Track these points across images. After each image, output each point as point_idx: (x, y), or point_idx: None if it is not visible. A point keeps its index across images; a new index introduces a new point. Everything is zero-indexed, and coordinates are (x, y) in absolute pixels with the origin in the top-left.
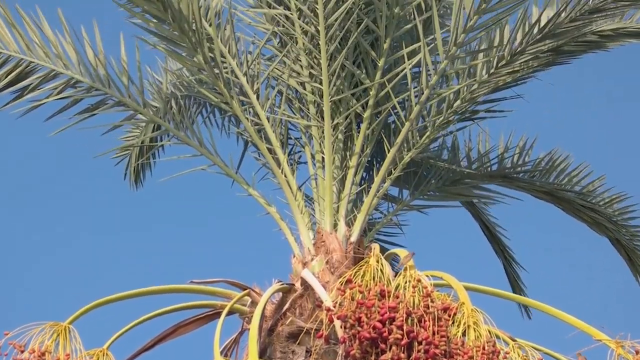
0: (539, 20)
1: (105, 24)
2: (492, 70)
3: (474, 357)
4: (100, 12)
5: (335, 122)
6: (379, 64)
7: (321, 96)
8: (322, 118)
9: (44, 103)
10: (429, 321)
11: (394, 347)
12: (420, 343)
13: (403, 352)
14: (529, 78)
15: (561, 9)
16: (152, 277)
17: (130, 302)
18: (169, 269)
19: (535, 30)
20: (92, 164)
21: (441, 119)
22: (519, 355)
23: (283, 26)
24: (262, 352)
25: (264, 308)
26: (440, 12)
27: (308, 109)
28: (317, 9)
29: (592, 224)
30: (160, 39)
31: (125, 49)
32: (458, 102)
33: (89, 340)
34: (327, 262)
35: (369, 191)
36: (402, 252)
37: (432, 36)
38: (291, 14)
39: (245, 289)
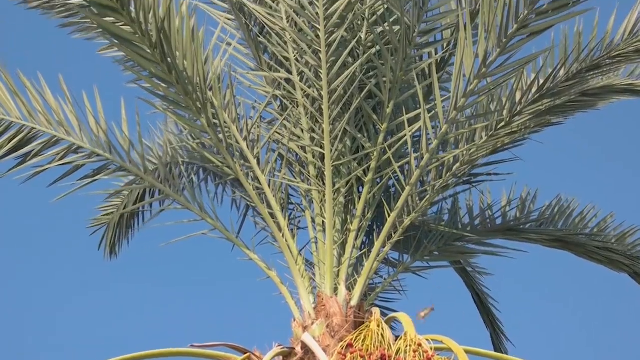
0: (537, 78)
1: (107, 88)
2: (491, 133)
3: None
4: (102, 75)
5: (336, 186)
6: (382, 128)
7: (322, 160)
8: (323, 182)
9: (47, 169)
10: None
11: None
12: None
13: None
14: (526, 140)
15: (559, 67)
16: (150, 338)
17: None
18: (168, 331)
19: (534, 89)
20: None
21: (441, 182)
22: None
23: (284, 89)
24: None
25: None
26: (443, 77)
27: (309, 172)
28: (321, 73)
29: (608, 263)
30: (164, 101)
31: (126, 113)
32: (457, 165)
33: None
34: (327, 326)
35: (369, 255)
36: (402, 317)
37: (434, 102)
38: (293, 77)
39: (246, 353)
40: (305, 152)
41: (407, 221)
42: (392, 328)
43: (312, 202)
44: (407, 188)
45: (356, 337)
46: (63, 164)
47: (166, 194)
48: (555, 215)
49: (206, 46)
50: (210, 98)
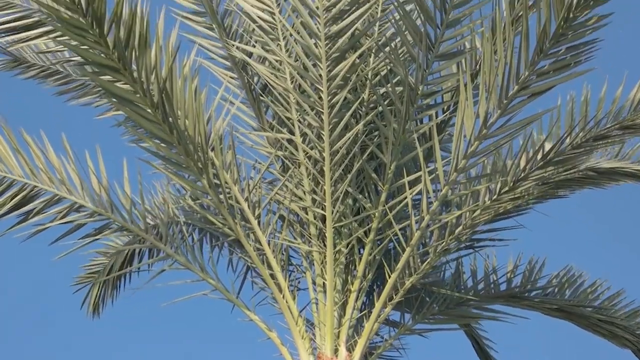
0: (542, 146)
1: (110, 146)
2: (494, 197)
3: None
4: (105, 132)
5: (337, 247)
6: (383, 190)
7: (323, 221)
8: (324, 243)
9: (48, 227)
10: None
11: None
12: None
13: None
14: (530, 209)
15: (565, 136)
16: None
17: None
18: None
19: (539, 156)
20: None
21: (442, 244)
22: None
23: (286, 150)
24: None
25: None
26: (445, 138)
27: (310, 234)
28: (323, 134)
29: (612, 337)
30: (165, 162)
31: (128, 171)
32: (460, 228)
33: None
34: None
35: (369, 316)
36: None
37: (435, 164)
38: (295, 138)
39: None
40: (307, 214)
41: (408, 283)
42: None
43: (313, 263)
44: (408, 249)
45: None
46: (65, 223)
47: (167, 253)
48: (564, 285)
49: (208, 104)
50: (211, 158)
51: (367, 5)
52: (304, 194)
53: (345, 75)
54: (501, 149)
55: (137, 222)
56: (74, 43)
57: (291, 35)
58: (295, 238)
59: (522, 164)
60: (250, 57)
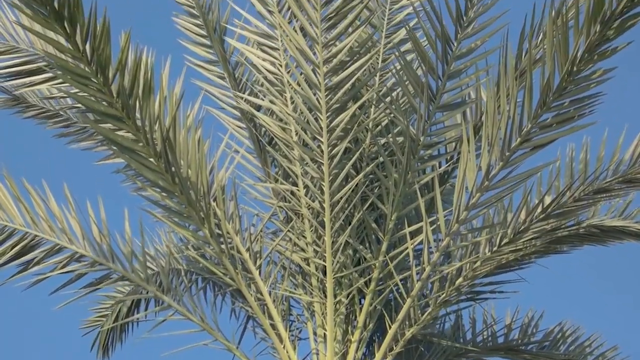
0: (542, 199)
1: (111, 193)
2: (494, 248)
3: None
4: (106, 179)
5: (338, 298)
6: (383, 241)
7: (324, 272)
8: (325, 294)
9: (49, 277)
10: None
11: None
12: None
13: None
14: (532, 263)
15: (565, 189)
16: None
17: None
18: None
19: (539, 209)
20: None
21: (443, 295)
22: None
23: (289, 202)
24: None
25: None
26: (446, 188)
27: (311, 284)
28: (324, 185)
29: None
30: (166, 211)
31: (129, 219)
32: (460, 279)
33: None
34: None
35: None
36: None
37: (436, 215)
38: (298, 190)
39: None
40: (308, 265)
41: (408, 334)
42: None
43: (314, 313)
44: (408, 300)
45: None
46: (65, 272)
47: (168, 303)
48: (559, 340)
49: (212, 152)
50: (213, 208)
51: (367, 56)
52: (306, 245)
53: (345, 126)
54: (502, 201)
55: (138, 272)
56: (76, 91)
57: (291, 87)
58: (296, 288)
59: (523, 216)
60: (259, 109)
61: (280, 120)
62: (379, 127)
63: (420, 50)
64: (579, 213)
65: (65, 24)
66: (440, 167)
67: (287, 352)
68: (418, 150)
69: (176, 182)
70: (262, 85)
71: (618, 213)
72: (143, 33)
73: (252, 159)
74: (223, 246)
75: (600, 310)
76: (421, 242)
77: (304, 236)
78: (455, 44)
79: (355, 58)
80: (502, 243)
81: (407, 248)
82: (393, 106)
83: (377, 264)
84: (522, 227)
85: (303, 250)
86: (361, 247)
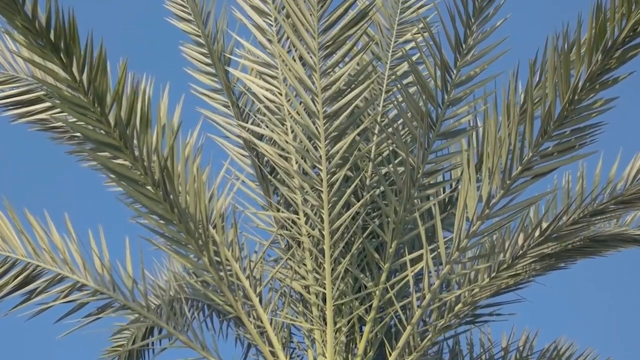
0: (540, 223)
1: (113, 221)
2: (493, 274)
3: None
4: (109, 207)
5: (337, 325)
6: (384, 268)
7: (324, 300)
8: (325, 322)
9: (51, 306)
10: None
11: None
12: None
13: None
14: (530, 282)
15: (562, 212)
16: None
17: None
18: None
19: (537, 233)
20: None
21: (442, 322)
22: None
23: (289, 230)
24: None
25: None
26: (447, 216)
27: (311, 312)
28: (323, 213)
29: None
30: (166, 239)
31: (131, 247)
32: (459, 305)
33: None
34: None
35: None
36: None
37: (437, 243)
38: (298, 218)
39: None
40: (309, 292)
41: None
42: None
43: (314, 341)
44: (409, 328)
45: None
46: (67, 302)
47: (169, 332)
48: (554, 359)
49: (212, 179)
50: (212, 236)
51: (365, 84)
52: (306, 273)
53: (344, 154)
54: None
55: (139, 300)
56: (74, 120)
57: (290, 114)
58: (296, 316)
59: (520, 241)
60: (261, 138)
61: (282, 149)
62: (380, 157)
63: (420, 78)
64: (576, 236)
65: (62, 55)
66: (440, 195)
67: None
68: (418, 178)
69: (174, 211)
70: (264, 115)
71: (611, 228)
72: (142, 60)
73: (254, 187)
74: (222, 274)
75: (598, 321)
76: (421, 270)
77: (304, 264)
78: (455, 72)
79: (353, 86)
80: (501, 269)
81: (407, 276)
82: (395, 136)
83: (377, 292)
84: (520, 252)
85: (303, 278)
86: (362, 274)
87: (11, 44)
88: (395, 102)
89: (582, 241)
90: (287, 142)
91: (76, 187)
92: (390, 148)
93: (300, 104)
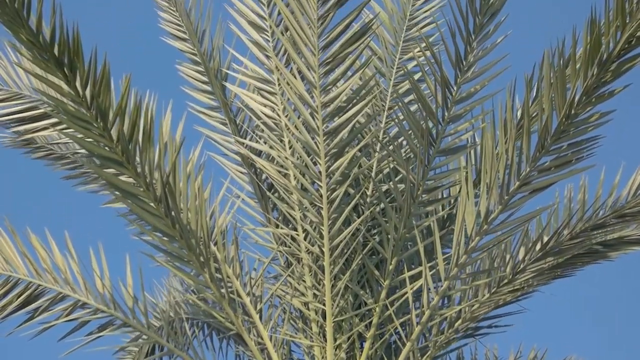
0: (540, 237)
1: (114, 238)
2: (493, 290)
3: None
4: (109, 225)
5: (337, 342)
6: (384, 285)
7: (324, 316)
8: (325, 338)
9: (54, 325)
10: None
11: None
12: None
13: None
14: (531, 294)
15: (563, 227)
16: None
17: None
18: None
19: (537, 247)
20: None
21: (442, 338)
22: None
23: (289, 246)
24: None
25: None
26: (448, 232)
27: (311, 329)
28: (323, 230)
29: None
30: (167, 255)
31: (131, 265)
32: (459, 322)
33: None
34: None
35: None
36: None
37: (436, 260)
38: (297, 235)
39: None
40: (308, 309)
41: None
42: None
43: (314, 358)
44: (408, 344)
45: None
46: (69, 320)
47: (170, 350)
48: None
49: (213, 196)
50: (214, 253)
51: (365, 101)
52: (306, 289)
53: (343, 171)
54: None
55: (140, 319)
56: (80, 135)
57: (289, 131)
58: (296, 332)
59: (521, 255)
60: (260, 155)
61: (281, 165)
62: (381, 174)
63: (421, 95)
64: (575, 251)
65: (65, 70)
66: (440, 212)
67: None
68: (418, 195)
69: (176, 227)
70: (262, 131)
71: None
72: (145, 76)
73: (253, 203)
74: (223, 290)
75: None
76: (422, 286)
77: (303, 280)
78: (455, 88)
79: (353, 102)
80: (501, 284)
81: (407, 292)
82: (395, 153)
83: (377, 308)
84: (521, 267)
85: (303, 294)
86: (361, 291)
87: (14, 57)
88: (397, 120)
89: (587, 246)
90: (286, 158)
91: (76, 204)
92: (391, 165)
93: (299, 119)
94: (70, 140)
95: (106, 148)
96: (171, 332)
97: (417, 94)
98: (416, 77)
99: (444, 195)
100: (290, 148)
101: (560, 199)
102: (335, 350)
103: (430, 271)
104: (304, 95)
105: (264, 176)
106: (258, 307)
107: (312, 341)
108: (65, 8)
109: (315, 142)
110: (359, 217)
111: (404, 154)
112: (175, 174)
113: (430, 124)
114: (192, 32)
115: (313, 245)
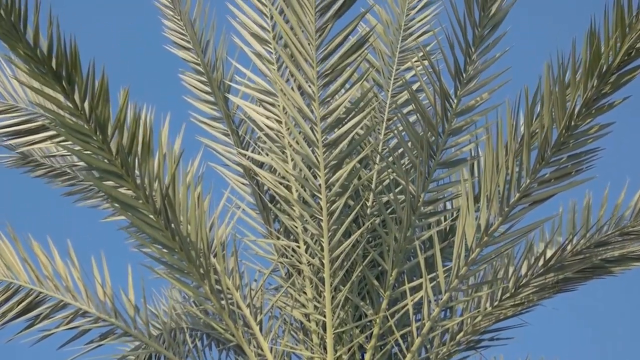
0: (544, 253)
1: (115, 248)
2: (496, 303)
3: None
4: (111, 235)
5: (338, 353)
6: (384, 296)
7: (325, 328)
8: (325, 350)
9: (54, 333)
10: None
11: None
12: None
13: None
14: (534, 308)
15: (566, 243)
16: None
17: None
18: None
19: (540, 262)
20: None
21: (444, 350)
22: None
23: (289, 258)
24: None
25: None
26: (448, 244)
27: (311, 340)
28: (323, 242)
29: None
30: (167, 267)
31: (133, 276)
32: (461, 334)
33: None
34: None
35: None
36: None
37: (437, 272)
38: (298, 247)
39: None
40: (309, 321)
41: None
42: None
43: None
44: (409, 355)
45: None
46: (70, 329)
47: (170, 359)
48: None
49: (213, 208)
50: (214, 265)
51: (363, 113)
52: (306, 301)
53: (343, 182)
54: (503, 255)
55: (141, 328)
56: (78, 148)
57: (289, 143)
58: (297, 344)
59: (524, 270)
60: (262, 166)
61: (282, 177)
62: (381, 185)
63: (420, 107)
64: (578, 267)
65: (64, 83)
66: (441, 224)
67: None
68: (419, 207)
69: (176, 239)
70: (264, 142)
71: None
72: (143, 88)
73: (254, 215)
74: (223, 302)
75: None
76: (422, 297)
77: (304, 292)
78: (455, 101)
79: (352, 114)
80: (504, 297)
81: (407, 304)
82: (395, 165)
83: (377, 320)
84: (523, 281)
85: (303, 306)
86: (362, 303)
87: (9, 71)
88: (396, 131)
89: (590, 263)
90: (287, 170)
91: (78, 214)
92: (391, 177)
93: (299, 132)
94: (68, 153)
95: (105, 161)
96: (172, 342)
97: (416, 104)
98: (415, 87)
99: (445, 207)
100: (292, 160)
101: (564, 213)
102: None
103: (431, 283)
104: (303, 108)
105: (265, 187)
106: (258, 319)
107: (313, 353)
108: (64, 16)
109: (315, 155)
110: (359, 229)
111: (404, 166)
112: (174, 185)
113: (431, 136)
114: (195, 42)
115: (314, 257)
